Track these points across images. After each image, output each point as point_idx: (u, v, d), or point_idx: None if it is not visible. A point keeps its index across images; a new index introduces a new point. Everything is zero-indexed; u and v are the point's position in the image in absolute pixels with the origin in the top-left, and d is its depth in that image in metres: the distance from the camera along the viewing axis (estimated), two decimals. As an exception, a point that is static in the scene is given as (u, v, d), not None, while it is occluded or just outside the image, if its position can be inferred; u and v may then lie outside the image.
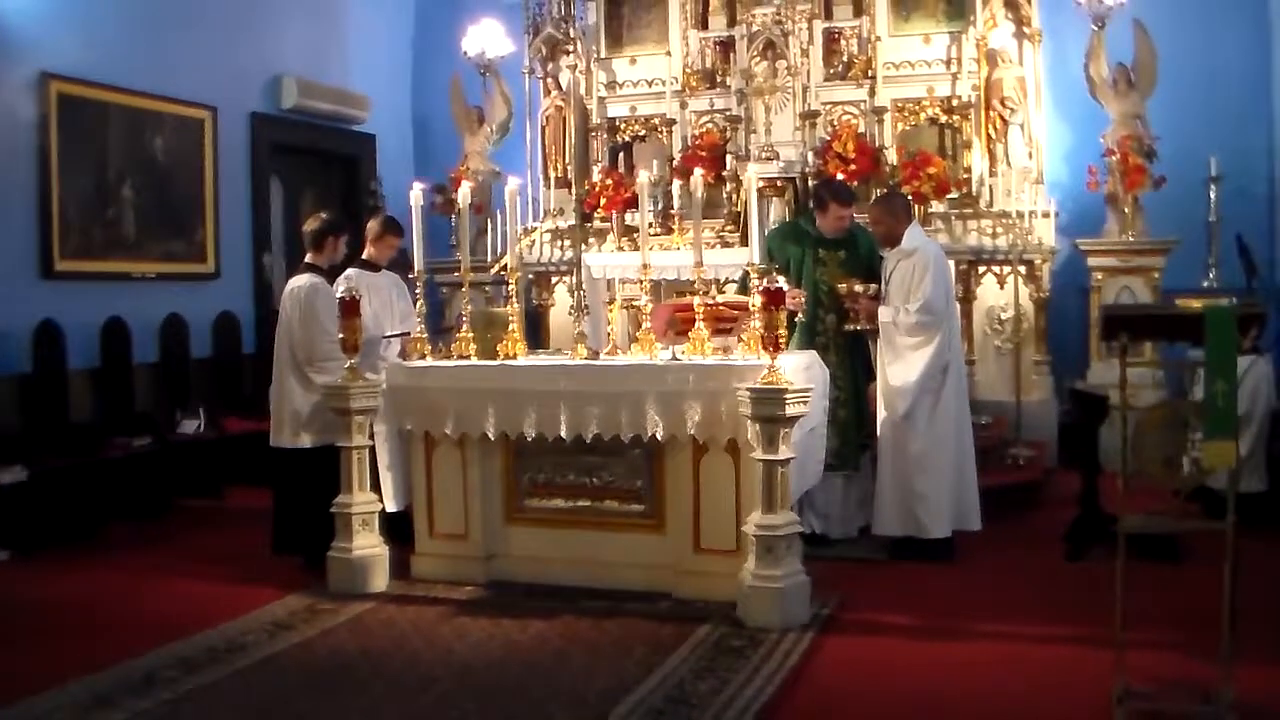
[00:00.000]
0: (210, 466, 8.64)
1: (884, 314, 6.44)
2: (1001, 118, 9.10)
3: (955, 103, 9.22)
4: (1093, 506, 6.45)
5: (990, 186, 9.07)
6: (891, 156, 9.12)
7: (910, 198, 7.89)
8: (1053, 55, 9.51)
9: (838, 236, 6.79)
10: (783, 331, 5.32)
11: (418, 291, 6.34)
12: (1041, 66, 9.24)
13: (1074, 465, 7.02)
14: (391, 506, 6.39)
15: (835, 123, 9.30)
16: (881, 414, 6.49)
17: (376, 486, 6.28)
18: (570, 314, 6.45)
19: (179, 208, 9.14)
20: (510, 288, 6.28)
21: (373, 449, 6.24)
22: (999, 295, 8.92)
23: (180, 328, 8.96)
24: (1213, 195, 9.33)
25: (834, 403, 6.48)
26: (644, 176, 6.18)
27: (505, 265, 7.49)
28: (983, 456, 7.19)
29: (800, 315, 6.63)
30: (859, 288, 6.54)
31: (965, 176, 9.16)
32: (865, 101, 9.30)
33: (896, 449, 6.42)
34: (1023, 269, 8.80)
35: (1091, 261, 9.16)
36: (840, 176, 8.44)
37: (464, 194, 6.36)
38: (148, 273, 8.81)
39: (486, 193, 10.33)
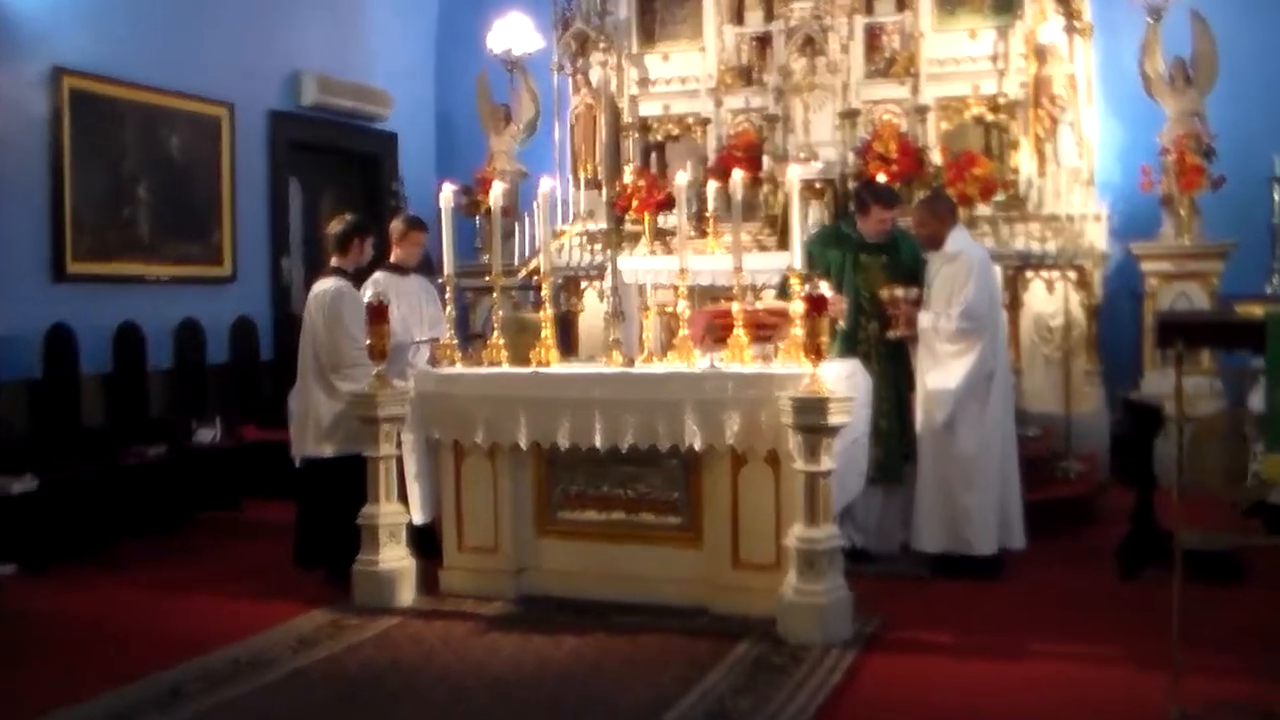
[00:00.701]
0: (228, 477, 8.80)
1: (924, 319, 6.52)
2: (1051, 116, 9.12)
3: (1002, 101, 9.29)
4: (1147, 522, 6.45)
5: (1039, 188, 9.10)
6: (935, 157, 9.20)
7: (955, 200, 7.93)
8: (1105, 50, 9.52)
9: (880, 241, 6.88)
10: (825, 339, 5.43)
11: (447, 296, 6.47)
12: (1093, 62, 9.27)
13: (1127, 479, 7.06)
14: (419, 518, 6.51)
15: (876, 122, 9.39)
16: (920, 423, 6.56)
17: (404, 497, 6.40)
18: (605, 319, 6.53)
19: (195, 208, 9.30)
20: (543, 293, 6.40)
21: (400, 459, 6.36)
22: (1048, 301, 8.94)
23: (196, 333, 9.11)
24: (1275, 196, 9.29)
25: (875, 413, 6.56)
26: (681, 178, 6.29)
27: (535, 270, 7.59)
28: (1031, 470, 7.25)
29: (841, 322, 6.72)
30: (900, 292, 6.62)
31: (1012, 178, 9.21)
32: (908, 99, 9.39)
33: (936, 460, 6.50)
34: (1073, 274, 8.83)
35: (1145, 266, 9.18)
36: (882, 178, 8.52)
37: (496, 195, 6.48)
38: (162, 276, 8.96)
39: (514, 194, 10.45)
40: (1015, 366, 8.62)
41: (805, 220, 8.62)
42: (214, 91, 9.45)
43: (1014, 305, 8.85)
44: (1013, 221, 9.05)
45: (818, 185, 9.13)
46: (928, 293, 6.61)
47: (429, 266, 8.00)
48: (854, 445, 5.99)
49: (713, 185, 7.92)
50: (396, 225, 7.18)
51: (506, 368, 6.25)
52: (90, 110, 8.39)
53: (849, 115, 9.37)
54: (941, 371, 6.45)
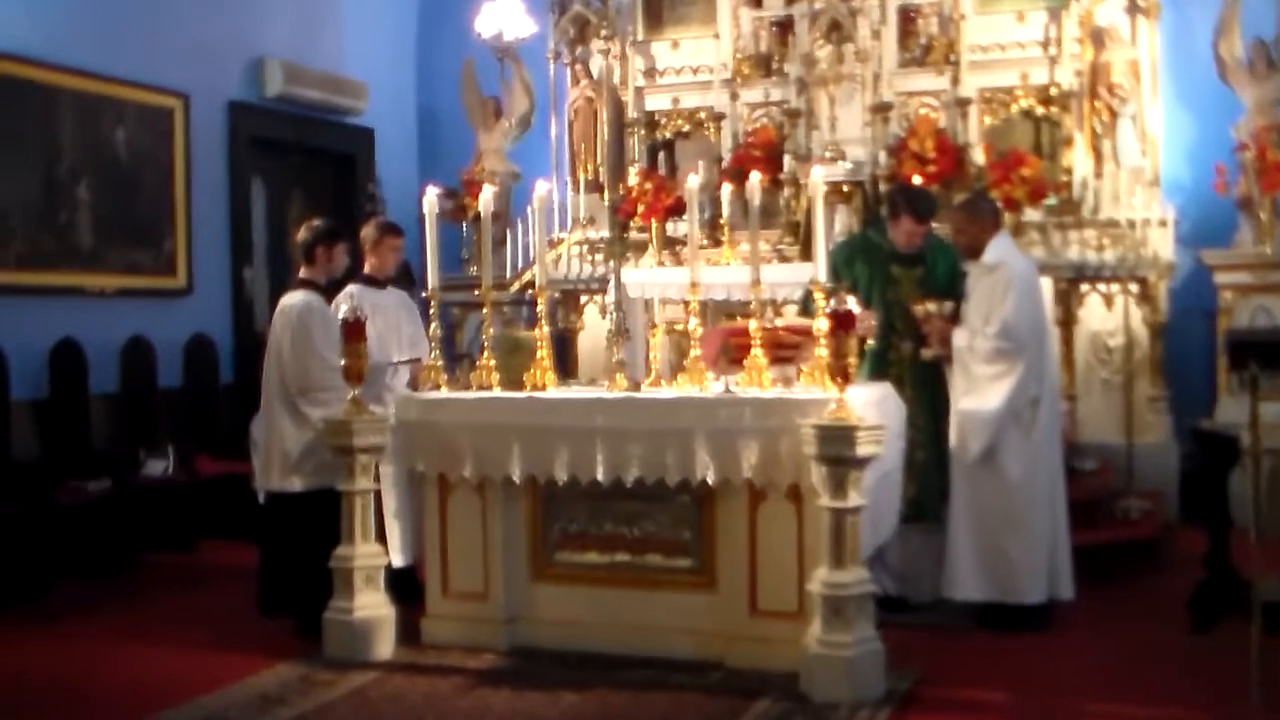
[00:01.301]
0: (180, 515, 8.84)
1: (959, 337, 6.57)
2: (1110, 108, 9.19)
3: (1054, 92, 9.38)
4: (1222, 569, 6.38)
5: (1095, 190, 9.17)
6: (978, 156, 9.29)
7: (999, 204, 7.95)
8: (1173, 32, 9.55)
9: (913, 250, 6.92)
10: (853, 360, 5.49)
11: (431, 312, 6.55)
12: (1159, 46, 9.33)
13: (1199, 520, 7.04)
14: (398, 561, 6.58)
15: (911, 117, 9.51)
16: (953, 454, 6.60)
17: (381, 537, 6.47)
18: (607, 338, 6.60)
19: (144, 212, 9.36)
20: (538, 308, 6.48)
21: (378, 494, 6.43)
22: (1106, 318, 9.00)
23: (145, 352, 9.18)
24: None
25: (910, 443, 6.61)
26: (693, 180, 6.37)
27: (530, 283, 7.64)
28: (1086, 509, 7.32)
29: (871, 341, 6.76)
30: (933, 307, 6.68)
31: (1065, 179, 9.28)
32: (947, 91, 9.50)
33: (973, 496, 6.53)
34: (1134, 287, 8.89)
35: (1219, 278, 9.11)
36: (918, 180, 8.58)
37: (485, 199, 6.55)
38: (106, 288, 9.01)
39: (505, 198, 10.53)
40: (1068, 392, 8.70)
41: (831, 228, 8.69)
42: (166, 80, 9.53)
43: (1067, 323, 8.93)
44: (1066, 228, 9.12)
45: (845, 188, 9.22)
46: (965, 308, 6.66)
47: (409, 278, 8.08)
48: (886, 479, 6.06)
49: (727, 188, 7.99)
50: (368, 231, 7.26)
51: (497, 392, 6.32)
52: (21, 99, 8.41)
53: (880, 109, 9.46)
54: (977, 396, 6.49)
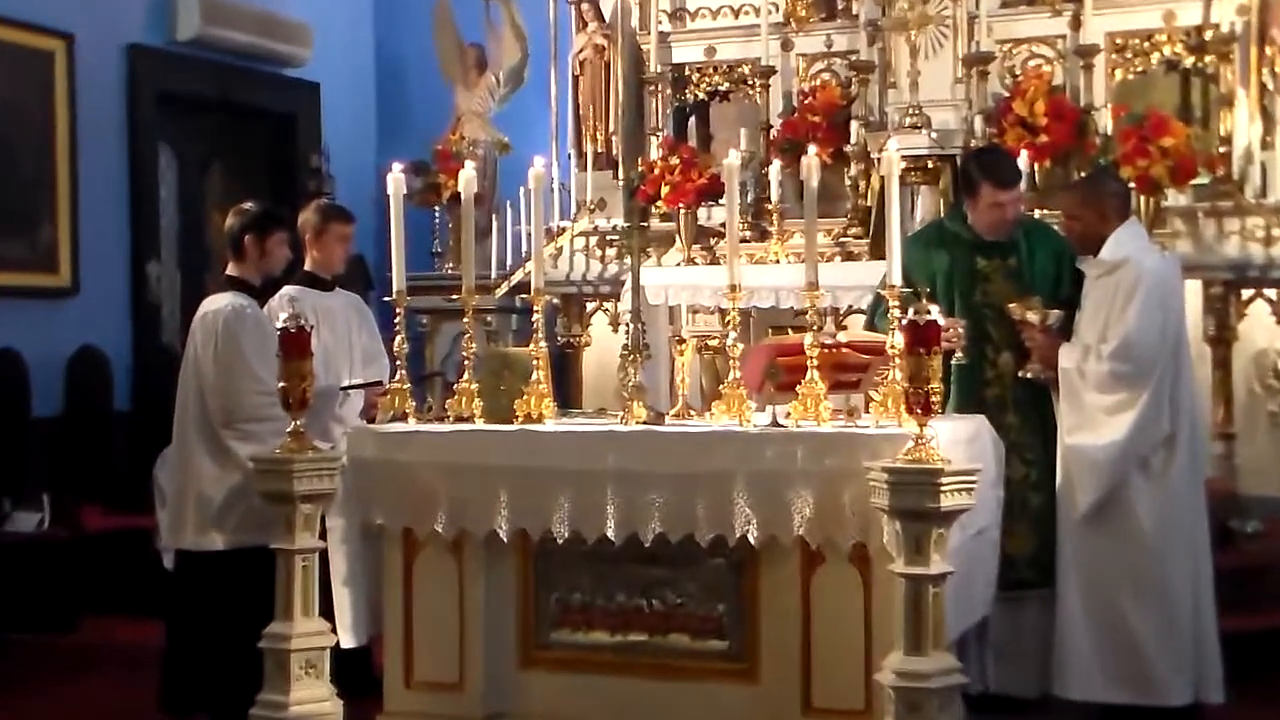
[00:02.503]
0: (59, 583, 8.87)
1: (1066, 356, 6.57)
2: (1283, 59, 9.23)
3: (1209, 36, 9.34)
4: None
5: (1263, 165, 9.10)
6: (1104, 121, 9.34)
7: (1130, 183, 8.00)
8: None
9: (1003, 237, 6.95)
10: (936, 385, 5.51)
11: (396, 321, 6.58)
12: (1353, -28, 9.30)
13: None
14: (349, 641, 6.59)
15: (1018, 71, 9.57)
16: (1060, 506, 6.63)
17: (328, 611, 6.50)
18: (621, 356, 6.69)
19: (14, 188, 9.47)
20: (533, 317, 6.53)
21: (324, 554, 6.48)
22: (1275, 334, 9.02)
23: (14, 371, 9.29)
24: None
25: (1022, 485, 6.67)
26: (733, 155, 6.44)
27: (522, 285, 7.70)
28: (1245, 584, 7.37)
29: (959, 357, 6.79)
30: (1033, 315, 6.68)
31: (1223, 150, 9.27)
32: (1065, 38, 9.55)
33: (1087, 562, 6.53)
34: (1314, 294, 8.95)
35: None
36: (1024, 156, 8.59)
37: (466, 178, 6.61)
38: (-39, 288, 9.17)
39: (490, 175, 10.67)
40: (1220, 429, 8.73)
41: (911, 215, 8.77)
42: (43, 16, 9.64)
43: (1221, 339, 8.89)
44: (1222, 216, 9.05)
45: (930, 164, 9.24)
46: (1078, 317, 6.67)
47: (364, 277, 8.18)
48: (980, 539, 6.09)
49: (777, 165, 8.08)
50: (310, 216, 7.37)
51: (479, 424, 6.39)
52: None
53: (977, 62, 9.49)
54: (1089, 434, 6.50)
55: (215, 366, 6.71)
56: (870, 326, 7.02)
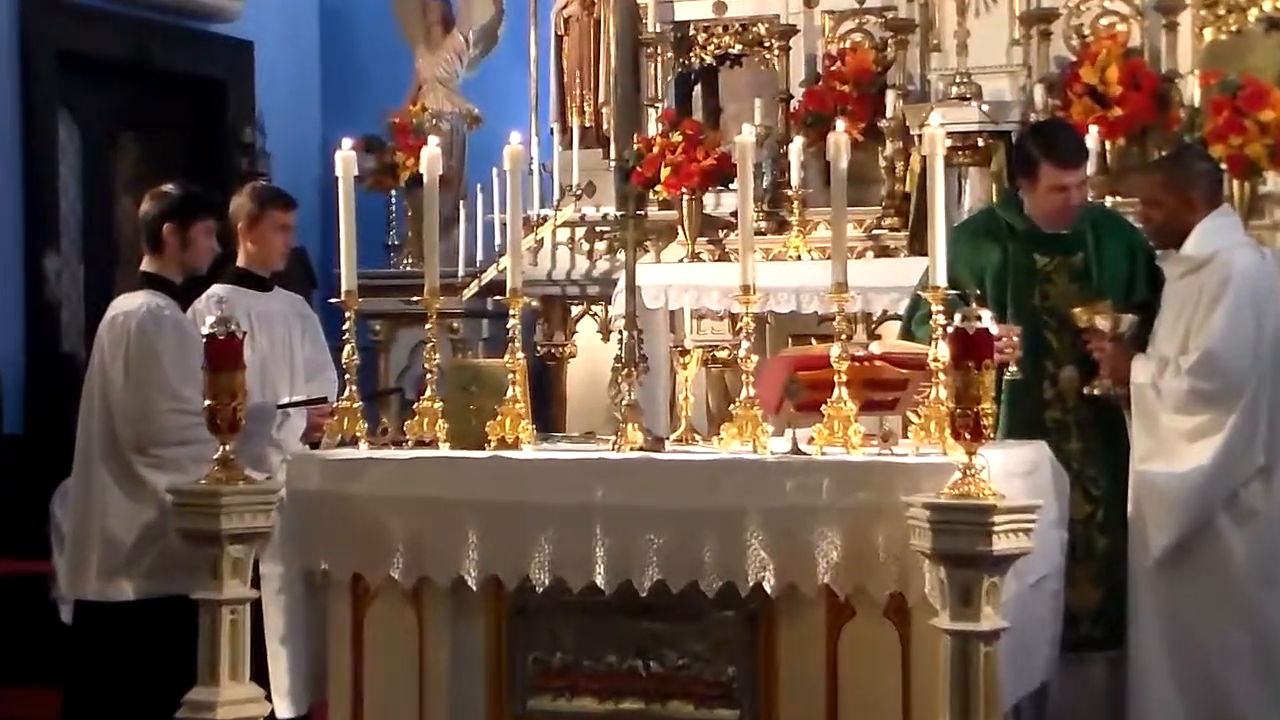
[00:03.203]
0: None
1: (1140, 370, 6.58)
2: None
3: (1319, -10, 9.42)
4: None
5: None
6: (1190, 91, 9.36)
7: (1221, 165, 7.99)
8: None
9: (1066, 229, 6.96)
10: (988, 406, 5.49)
11: (345, 327, 6.57)
12: None
13: None
14: (286, 711, 6.57)
15: (1087, 31, 9.60)
16: (1131, 548, 6.63)
17: (262, 674, 6.48)
18: (613, 369, 6.69)
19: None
20: (509, 323, 6.53)
21: (256, 605, 6.44)
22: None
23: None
24: None
25: (1087, 524, 6.68)
26: (747, 131, 6.45)
27: (495, 284, 7.72)
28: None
29: (1012, 371, 6.80)
30: (1101, 322, 6.67)
31: (1334, 127, 9.35)
32: (1143, -9, 9.59)
33: (1165, 614, 6.54)
34: None
35: None
36: (1094, 131, 8.62)
37: (430, 157, 6.62)
38: None
39: (458, 154, 10.70)
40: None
41: (957, 203, 8.80)
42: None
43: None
44: None
45: (981, 142, 9.28)
46: (1156, 323, 6.69)
47: (306, 275, 8.18)
48: (1038, 589, 6.07)
49: (798, 142, 8.09)
50: (241, 203, 7.37)
51: (445, 450, 6.39)
52: None
53: (1036, 20, 9.54)
54: (1165, 461, 6.51)
55: (126, 380, 6.72)
56: (908, 335, 7.01)
